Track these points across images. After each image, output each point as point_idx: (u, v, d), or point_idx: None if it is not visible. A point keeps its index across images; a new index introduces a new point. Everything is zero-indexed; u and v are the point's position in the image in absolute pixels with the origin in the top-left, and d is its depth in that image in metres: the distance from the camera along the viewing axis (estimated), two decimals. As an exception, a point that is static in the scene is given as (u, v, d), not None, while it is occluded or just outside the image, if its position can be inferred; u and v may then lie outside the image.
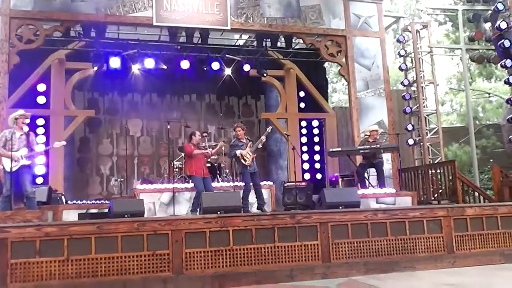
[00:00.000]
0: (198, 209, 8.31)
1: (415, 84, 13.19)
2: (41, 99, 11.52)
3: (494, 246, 6.79)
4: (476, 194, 10.62)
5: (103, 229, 5.43)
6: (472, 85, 21.32)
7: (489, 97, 23.14)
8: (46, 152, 8.79)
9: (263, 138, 9.03)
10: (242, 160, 8.68)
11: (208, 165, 10.14)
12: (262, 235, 5.93)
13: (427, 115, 13.19)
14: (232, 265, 5.72)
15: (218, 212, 6.36)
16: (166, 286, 5.44)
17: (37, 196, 7.78)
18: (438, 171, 11.03)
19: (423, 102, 13.12)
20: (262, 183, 9.64)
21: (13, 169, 7.18)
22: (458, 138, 18.42)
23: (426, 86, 13.36)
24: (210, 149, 9.62)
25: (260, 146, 9.01)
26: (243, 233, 5.87)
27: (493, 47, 12.66)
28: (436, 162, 12.37)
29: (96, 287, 5.25)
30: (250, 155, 8.74)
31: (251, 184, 8.80)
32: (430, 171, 11.22)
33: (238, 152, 8.70)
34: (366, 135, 10.01)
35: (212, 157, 10.28)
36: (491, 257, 6.69)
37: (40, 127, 11.27)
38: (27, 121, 7.62)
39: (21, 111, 7.60)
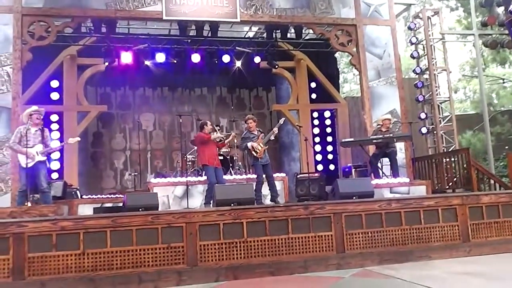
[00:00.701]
0: (211, 202, 8.33)
1: (427, 72, 13.05)
2: (54, 95, 11.66)
3: (510, 234, 6.73)
4: (492, 181, 10.50)
5: (118, 222, 5.48)
6: (485, 71, 21.05)
7: (504, 83, 22.83)
8: (61, 148, 8.86)
9: (275, 130, 8.96)
10: (253, 152, 8.63)
11: (221, 157, 10.14)
12: (275, 226, 5.94)
13: (440, 103, 13.05)
14: (246, 257, 5.74)
15: (232, 205, 6.38)
16: (180, 278, 5.47)
17: (53, 191, 7.88)
18: (452, 159, 10.92)
19: (436, 90, 12.98)
20: (275, 175, 9.62)
21: (29, 165, 7.26)
22: (472, 126, 18.23)
23: (438, 73, 13.21)
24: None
25: (272, 138, 8.95)
26: (257, 225, 5.89)
27: (506, 32, 12.47)
28: (450, 150, 12.25)
29: (112, 280, 5.30)
30: (261, 147, 8.69)
31: (264, 176, 8.78)
32: (444, 160, 11.11)
33: (249, 144, 8.65)
34: (378, 124, 9.94)
35: (224, 149, 10.29)
36: (508, 245, 6.63)
37: (54, 123, 11.40)
38: (41, 116, 7.70)
39: (35, 107, 7.67)
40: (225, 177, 9.29)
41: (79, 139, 8.55)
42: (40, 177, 7.39)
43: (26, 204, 7.04)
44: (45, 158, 7.54)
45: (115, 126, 13.90)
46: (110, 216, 5.60)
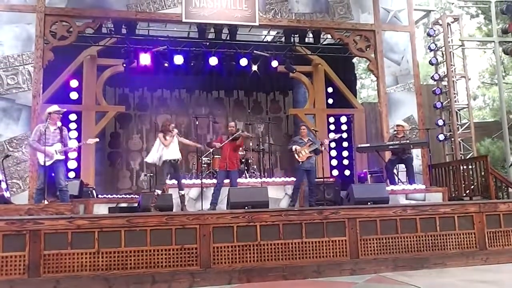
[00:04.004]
0: (215, 203, 8.41)
1: (445, 79, 12.94)
2: (73, 95, 11.80)
3: (528, 243, 6.63)
4: (510, 189, 10.37)
5: (133, 222, 5.52)
6: (505, 79, 20.77)
7: (523, 91, 22.50)
8: (78, 148, 8.96)
9: (326, 141, 9.42)
10: (296, 155, 8.95)
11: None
12: (289, 230, 5.93)
13: (459, 110, 12.92)
14: (259, 260, 5.75)
15: (246, 207, 6.39)
16: (194, 280, 5.50)
17: (69, 189, 7.94)
18: (470, 166, 10.79)
19: (454, 97, 12.86)
20: (289, 179, 9.78)
21: (47, 164, 7.35)
22: (490, 133, 17.97)
23: (457, 80, 13.09)
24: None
25: (321, 148, 9.23)
26: (271, 229, 5.89)
27: (528, 40, 12.32)
28: (468, 157, 12.11)
29: (126, 279, 5.34)
30: (305, 152, 8.93)
31: (304, 181, 9.06)
32: (461, 167, 10.99)
33: (294, 146, 8.99)
34: (394, 130, 9.90)
35: (240, 152, 10.25)
36: (525, 255, 6.53)
37: (72, 122, 11.54)
38: (60, 116, 7.80)
39: (56, 107, 7.75)
40: (239, 180, 9.30)
41: (97, 140, 8.62)
42: (59, 175, 7.46)
43: (43, 202, 7.12)
44: (63, 157, 7.63)
45: (132, 127, 14.00)
46: (125, 216, 5.65)
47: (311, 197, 9.04)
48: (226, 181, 8.63)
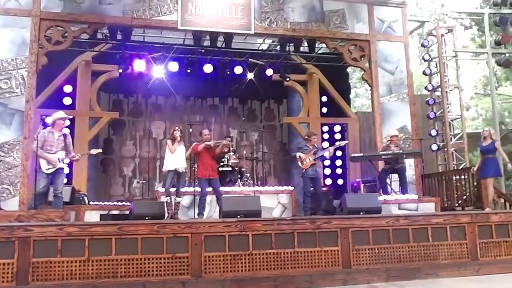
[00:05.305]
0: (203, 213, 8.38)
1: (439, 89, 12.99)
2: (67, 100, 11.75)
3: (520, 254, 6.64)
4: (502, 200, 10.40)
5: (124, 230, 5.49)
6: (498, 90, 20.86)
7: (516, 101, 22.63)
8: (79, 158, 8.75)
9: (331, 149, 9.31)
10: (299, 162, 8.99)
11: (229, 168, 10.14)
12: (281, 240, 5.92)
13: (452, 120, 12.97)
14: (251, 270, 5.72)
15: (238, 216, 6.36)
16: (185, 289, 5.46)
17: (61, 196, 7.88)
18: (463, 177, 10.83)
19: (448, 107, 12.92)
20: (282, 188, 9.84)
21: (49, 171, 7.31)
22: (483, 144, 18.04)
23: (450, 91, 13.15)
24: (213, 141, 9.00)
25: (326, 155, 9.28)
26: (263, 238, 5.87)
27: (520, 51, 12.41)
28: (460, 167, 12.14)
29: None
30: (309, 160, 8.95)
31: (312, 188, 9.08)
32: (454, 177, 11.02)
33: (298, 153, 9.07)
34: (388, 140, 9.93)
35: (233, 160, 10.28)
36: (517, 266, 6.54)
37: (66, 127, 11.42)
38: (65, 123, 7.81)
39: (62, 113, 7.76)
40: (233, 188, 9.28)
41: (101, 150, 8.63)
42: (58, 182, 7.45)
43: (38, 207, 7.07)
44: (65, 165, 7.62)
45: (126, 133, 13.96)
46: (116, 224, 5.62)
47: (316, 204, 9.08)
48: (209, 189, 8.58)
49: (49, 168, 7.33)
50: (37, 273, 5.15)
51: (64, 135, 7.65)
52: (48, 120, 7.73)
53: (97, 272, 5.29)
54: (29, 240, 5.20)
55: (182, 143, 8.51)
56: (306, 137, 9.57)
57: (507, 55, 13.38)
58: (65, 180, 10.75)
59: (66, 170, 10.88)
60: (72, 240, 5.31)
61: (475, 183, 10.36)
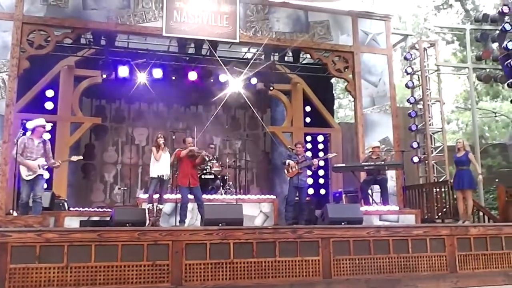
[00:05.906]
0: (184, 221, 8.35)
1: (421, 102, 13.16)
2: (48, 105, 11.60)
3: (497, 266, 6.75)
4: (481, 213, 10.53)
5: (104, 237, 5.43)
6: (478, 104, 21.27)
7: (495, 116, 23.06)
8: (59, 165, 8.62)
9: (315, 161, 9.38)
10: (285, 170, 9.22)
11: (212, 176, 10.12)
12: (263, 249, 5.91)
13: (433, 133, 13.13)
14: (232, 278, 5.70)
15: (220, 225, 6.34)
16: (164, 297, 5.41)
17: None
18: (443, 189, 10.96)
19: (429, 120, 13.07)
20: (265, 197, 9.91)
21: (29, 178, 7.25)
22: (463, 157, 18.30)
23: (432, 104, 13.32)
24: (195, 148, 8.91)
25: (311, 166, 9.41)
26: (244, 246, 5.86)
27: (500, 67, 12.62)
28: (441, 180, 12.28)
29: (95, 295, 5.23)
30: (295, 168, 9.04)
31: (296, 198, 9.17)
32: (434, 189, 11.15)
33: (287, 161, 9.22)
34: (370, 151, 10.03)
35: (216, 168, 10.29)
36: (495, 278, 6.65)
37: (47, 132, 11.29)
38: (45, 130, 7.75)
39: (42, 120, 7.72)
40: (215, 196, 9.25)
41: (81, 157, 8.63)
42: (37, 187, 7.40)
43: (11, 213, 6.98)
44: (46, 172, 7.57)
45: (108, 139, 13.83)
46: (96, 230, 5.56)
47: (301, 215, 9.12)
48: (190, 196, 8.54)
49: (29, 175, 7.29)
50: (14, 280, 5.06)
51: (44, 142, 7.60)
52: (29, 125, 7.63)
53: (75, 279, 5.22)
54: (6, 246, 5.12)
55: (166, 150, 8.50)
56: (295, 145, 9.72)
57: (487, 70, 13.63)
58: (45, 186, 10.76)
59: (46, 176, 10.89)
60: (50, 247, 5.24)
61: (455, 196, 10.48)
